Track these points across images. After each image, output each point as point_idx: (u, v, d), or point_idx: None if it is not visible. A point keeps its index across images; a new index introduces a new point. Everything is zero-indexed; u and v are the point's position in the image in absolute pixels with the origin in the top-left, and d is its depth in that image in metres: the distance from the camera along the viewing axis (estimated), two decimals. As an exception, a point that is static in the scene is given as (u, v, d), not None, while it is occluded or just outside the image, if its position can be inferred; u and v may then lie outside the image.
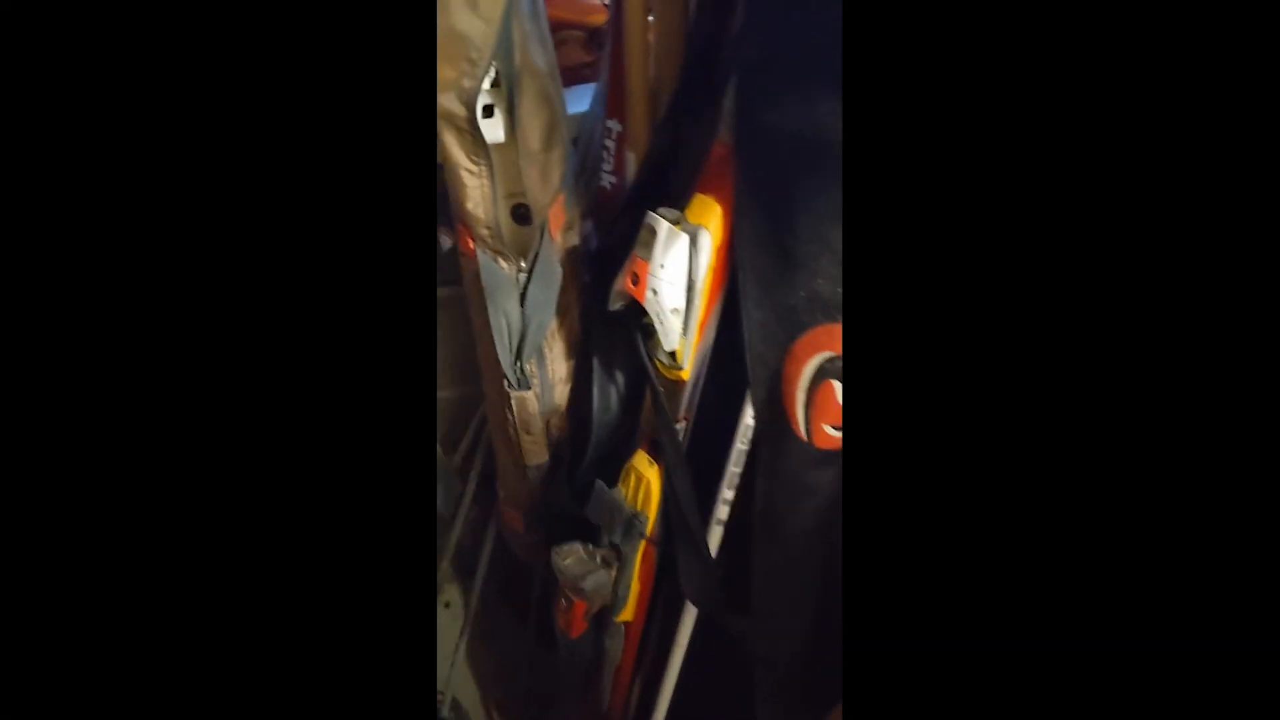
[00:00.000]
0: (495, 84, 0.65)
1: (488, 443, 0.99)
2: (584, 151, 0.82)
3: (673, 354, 0.63)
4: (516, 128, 0.65)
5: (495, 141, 0.65)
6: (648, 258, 0.60)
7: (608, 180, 0.83)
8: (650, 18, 0.72)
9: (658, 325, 0.61)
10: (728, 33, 0.59)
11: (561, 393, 0.80)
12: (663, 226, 0.59)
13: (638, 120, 0.75)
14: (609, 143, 0.82)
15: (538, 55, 0.65)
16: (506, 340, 0.73)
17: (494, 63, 0.62)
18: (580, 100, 0.89)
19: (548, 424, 0.81)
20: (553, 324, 0.75)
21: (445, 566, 1.11)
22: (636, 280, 0.61)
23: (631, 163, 0.78)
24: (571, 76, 0.94)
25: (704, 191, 0.62)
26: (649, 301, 0.61)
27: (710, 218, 0.61)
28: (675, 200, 0.63)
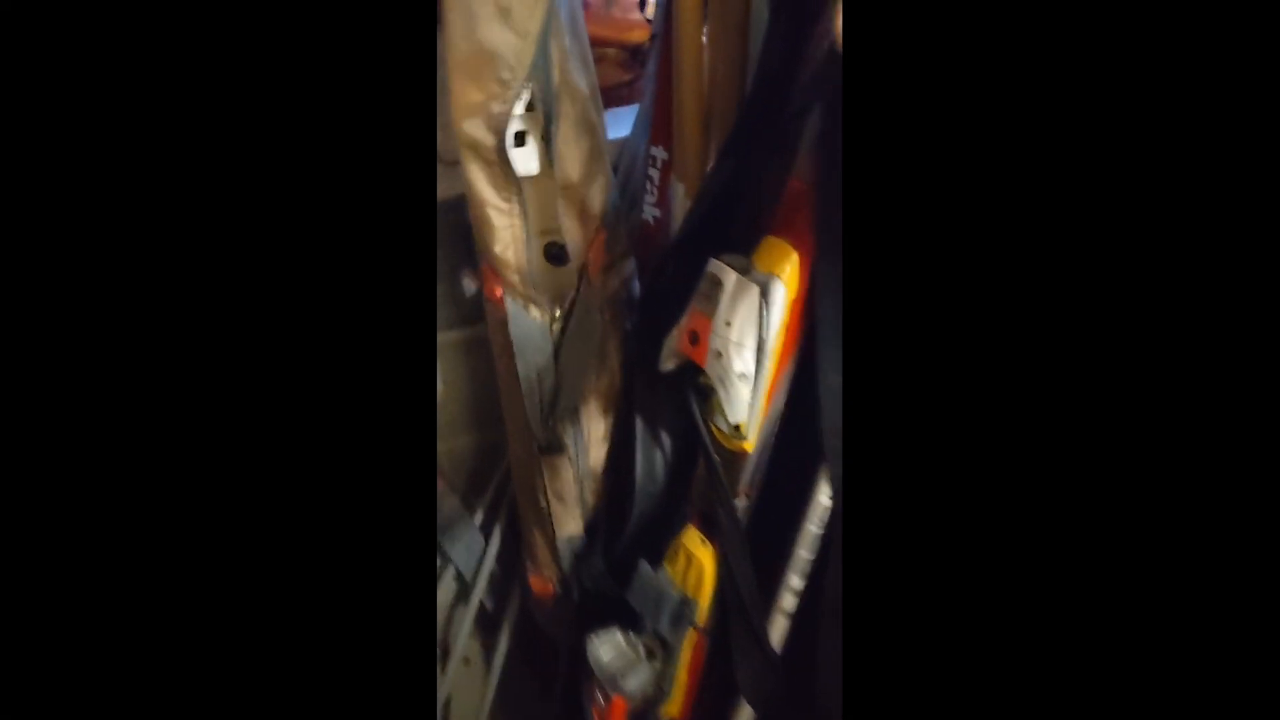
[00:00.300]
0: (529, 108, 0.56)
1: (513, 497, 0.90)
2: (624, 181, 0.73)
3: (737, 426, 0.54)
4: (553, 157, 0.57)
5: (529, 174, 0.56)
6: (711, 313, 0.51)
7: (650, 214, 0.74)
8: (705, 32, 0.63)
9: (721, 393, 0.52)
10: (808, 52, 0.50)
11: (598, 455, 0.71)
12: (730, 278, 0.50)
13: (687, 147, 0.67)
14: (652, 172, 0.73)
15: (579, 75, 0.56)
16: (537, 399, 0.64)
17: (529, 83, 0.53)
18: (618, 125, 0.81)
19: (582, 489, 0.72)
20: (590, 378, 0.66)
21: (466, 624, 1.03)
22: (696, 339, 0.52)
23: (679, 195, 0.69)
24: (607, 98, 0.86)
25: (776, 234, 0.53)
26: (711, 365, 0.52)
27: (784, 265, 0.52)
28: (739, 243, 0.54)
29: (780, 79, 0.51)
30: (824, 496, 0.57)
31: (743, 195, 0.54)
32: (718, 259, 0.52)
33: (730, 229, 0.55)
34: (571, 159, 0.58)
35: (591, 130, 0.59)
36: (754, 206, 0.54)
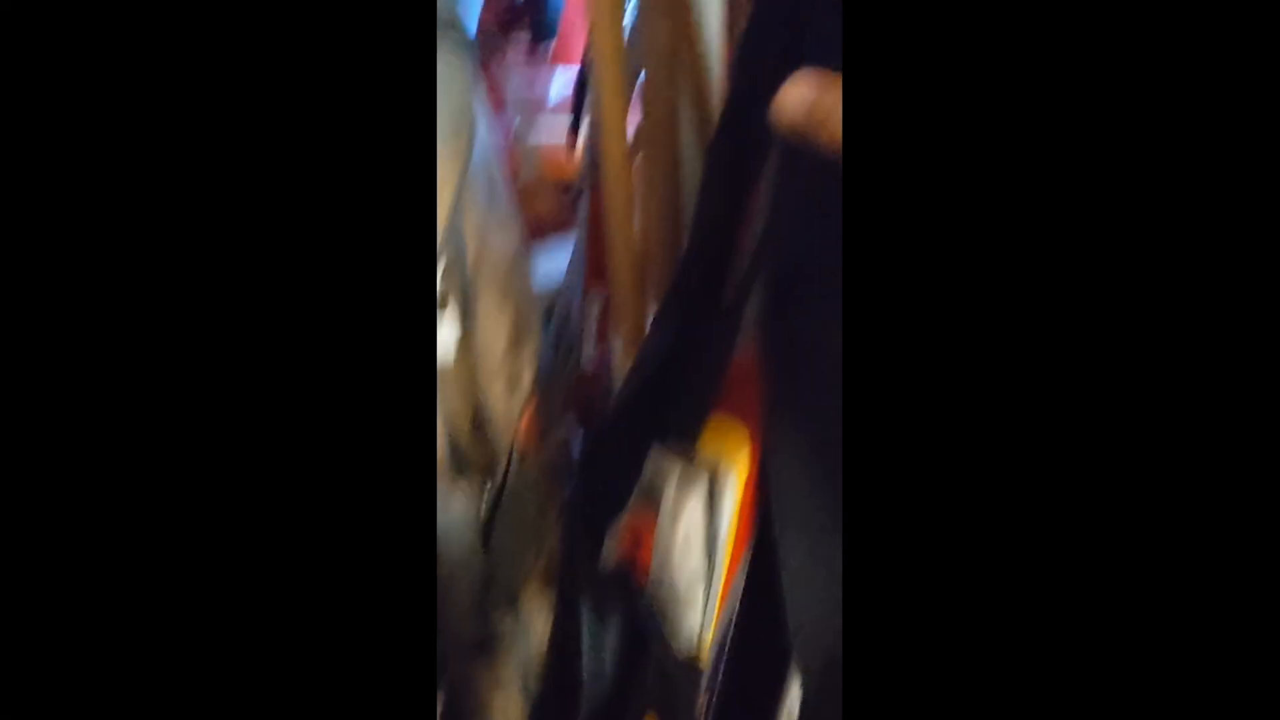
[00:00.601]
0: (444, 276, 0.51)
1: (452, 682, 0.81)
2: (559, 332, 0.68)
3: (688, 654, 0.47)
4: (474, 334, 0.51)
5: (447, 356, 0.51)
6: (655, 509, 0.45)
7: (588, 361, 0.69)
8: (634, 169, 0.60)
9: (669, 604, 0.45)
10: (747, 219, 0.46)
11: (540, 639, 0.63)
12: (674, 472, 0.44)
13: (623, 298, 0.62)
14: (590, 316, 0.69)
15: (499, 240, 0.52)
16: (466, 592, 0.57)
17: (443, 254, 0.48)
18: (553, 259, 0.77)
19: (525, 678, 0.64)
20: (528, 560, 0.59)
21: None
22: (637, 544, 0.46)
23: (618, 348, 0.64)
24: (541, 234, 0.82)
25: (721, 411, 0.47)
26: (656, 570, 0.45)
27: (733, 446, 0.46)
28: (682, 423, 0.49)
29: (716, 247, 0.47)
30: (794, 693, 0.51)
31: (682, 369, 0.49)
32: (660, 446, 0.47)
33: (670, 407, 0.50)
34: (495, 329, 0.53)
35: (517, 295, 0.54)
36: (695, 382, 0.49)
